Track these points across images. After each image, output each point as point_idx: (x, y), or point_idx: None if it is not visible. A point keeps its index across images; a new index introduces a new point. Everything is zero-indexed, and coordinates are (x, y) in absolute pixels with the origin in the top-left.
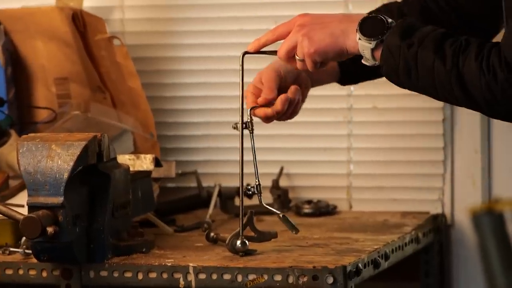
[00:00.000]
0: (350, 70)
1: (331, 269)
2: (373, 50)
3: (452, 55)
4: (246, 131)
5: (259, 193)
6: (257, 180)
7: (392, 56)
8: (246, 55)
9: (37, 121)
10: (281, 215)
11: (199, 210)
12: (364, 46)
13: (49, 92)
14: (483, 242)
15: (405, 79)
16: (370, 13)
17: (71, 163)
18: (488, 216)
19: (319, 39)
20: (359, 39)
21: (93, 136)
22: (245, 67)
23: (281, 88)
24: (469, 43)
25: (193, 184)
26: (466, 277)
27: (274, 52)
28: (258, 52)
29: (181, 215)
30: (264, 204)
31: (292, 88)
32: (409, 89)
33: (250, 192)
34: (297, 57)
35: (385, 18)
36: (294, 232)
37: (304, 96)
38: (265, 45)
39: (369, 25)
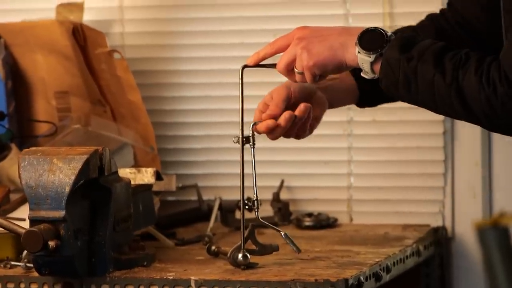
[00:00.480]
0: (369, 92)
1: (333, 282)
2: (372, 63)
3: (452, 69)
4: (247, 146)
5: (257, 208)
6: (255, 195)
7: (391, 70)
8: (246, 69)
9: (37, 135)
10: (283, 234)
11: (199, 224)
12: (363, 60)
13: (49, 105)
14: (488, 256)
15: (404, 92)
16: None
17: (73, 177)
18: (493, 230)
19: (318, 52)
20: (358, 52)
21: (94, 150)
22: (244, 80)
23: (292, 106)
24: (469, 57)
25: (193, 197)
26: None
27: (273, 65)
28: (257, 65)
29: (181, 229)
30: (261, 220)
31: (301, 106)
32: (408, 102)
33: (247, 207)
34: (296, 70)
35: (384, 31)
36: (297, 252)
37: (319, 116)
38: (264, 58)
39: (368, 38)
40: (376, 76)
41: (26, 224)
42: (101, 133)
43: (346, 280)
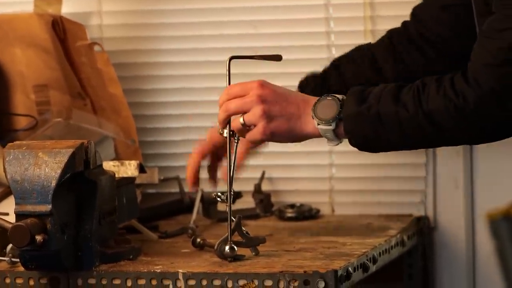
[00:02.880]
0: None
1: (322, 273)
2: (334, 130)
3: (413, 99)
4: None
5: (229, 203)
6: (229, 189)
7: (356, 125)
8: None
9: (17, 129)
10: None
11: (181, 216)
12: (325, 130)
13: (28, 99)
14: (500, 247)
15: (376, 142)
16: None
17: (59, 171)
18: (505, 221)
19: (277, 123)
20: (318, 124)
21: (80, 143)
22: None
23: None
24: (425, 83)
25: (174, 189)
26: (449, 279)
27: (261, 57)
28: (245, 56)
29: (163, 221)
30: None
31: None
32: (384, 151)
33: (220, 200)
34: (241, 121)
35: (334, 96)
36: (253, 254)
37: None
38: (222, 103)
39: (322, 108)
40: (341, 141)
41: (10, 219)
42: (81, 126)
43: (336, 271)
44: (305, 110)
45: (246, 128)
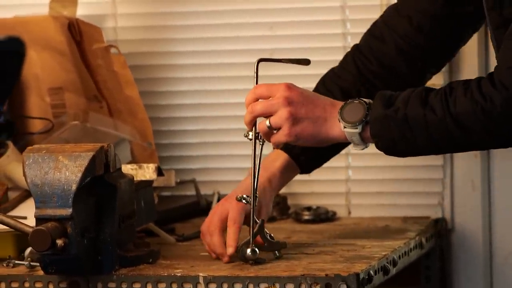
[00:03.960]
0: (307, 160)
1: (344, 276)
2: (361, 133)
3: (441, 103)
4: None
5: (253, 206)
6: (254, 194)
7: (383, 129)
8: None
9: (32, 132)
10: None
11: (197, 219)
12: (351, 133)
13: (43, 102)
14: None
15: (402, 145)
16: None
17: (79, 175)
18: None
19: (303, 125)
20: (345, 127)
21: (100, 147)
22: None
23: None
24: (452, 86)
25: (189, 192)
26: (467, 281)
27: (289, 61)
28: (273, 59)
29: (179, 224)
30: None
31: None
32: (410, 155)
33: (245, 202)
34: (267, 124)
35: (361, 100)
36: (275, 257)
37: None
38: (249, 104)
39: (349, 111)
40: (367, 145)
41: (28, 222)
42: (98, 129)
43: (357, 274)
44: (331, 114)
45: (272, 130)
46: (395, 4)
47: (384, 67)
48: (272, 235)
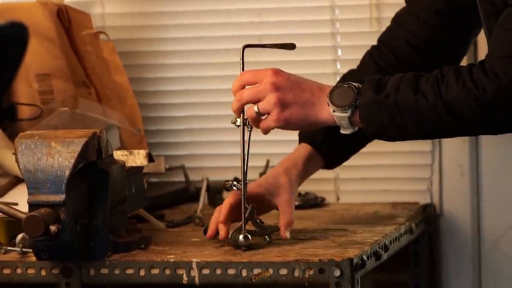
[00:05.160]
0: (332, 154)
1: (338, 262)
2: (350, 118)
3: (432, 89)
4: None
5: (243, 192)
6: (244, 180)
7: (373, 114)
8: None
9: (21, 118)
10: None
11: (185, 205)
12: (340, 117)
13: (31, 88)
14: None
15: (393, 131)
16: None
17: (72, 161)
18: None
19: (291, 110)
20: (334, 111)
21: (93, 133)
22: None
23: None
24: (443, 73)
25: (178, 178)
26: (455, 266)
27: (275, 46)
28: (258, 45)
29: (168, 210)
30: (247, 205)
31: None
32: (400, 140)
33: (236, 189)
34: (255, 109)
35: (351, 84)
36: (266, 242)
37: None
38: (236, 91)
39: (339, 95)
40: (356, 129)
41: (19, 208)
42: (86, 115)
43: (351, 259)
44: (320, 97)
45: (260, 116)
46: (405, 6)
47: (401, 61)
48: (262, 220)
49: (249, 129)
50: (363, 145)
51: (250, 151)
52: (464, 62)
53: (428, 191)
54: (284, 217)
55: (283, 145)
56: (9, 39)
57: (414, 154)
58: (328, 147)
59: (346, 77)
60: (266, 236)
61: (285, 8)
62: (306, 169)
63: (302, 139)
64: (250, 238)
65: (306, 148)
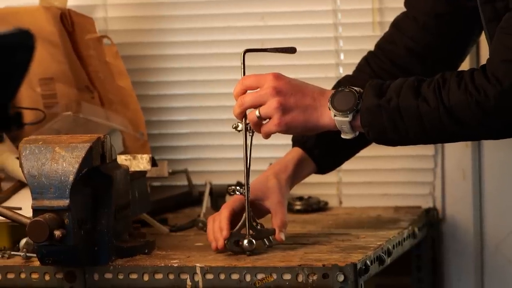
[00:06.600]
0: (326, 159)
1: (342, 267)
2: (351, 122)
3: (434, 93)
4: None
5: (247, 196)
6: (247, 185)
7: (374, 118)
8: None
9: (24, 122)
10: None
11: (188, 209)
12: (341, 122)
13: (34, 92)
14: None
15: (394, 135)
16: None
17: (76, 166)
18: None
19: (293, 115)
20: (335, 115)
21: (97, 138)
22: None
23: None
24: (445, 78)
25: (181, 182)
26: (457, 271)
27: (276, 50)
28: (259, 49)
29: (171, 214)
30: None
31: None
32: (401, 144)
33: (239, 193)
34: (257, 114)
35: (352, 88)
36: (265, 246)
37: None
38: (237, 96)
39: (340, 99)
40: (356, 134)
41: (22, 213)
42: (89, 120)
43: (355, 264)
44: (321, 102)
45: (261, 121)
46: (405, 11)
47: (397, 67)
48: (262, 224)
49: (251, 134)
50: (357, 150)
51: (252, 155)
52: (466, 67)
53: (430, 195)
54: (276, 219)
55: (285, 149)
56: (16, 46)
57: (416, 158)
58: (320, 151)
59: (342, 83)
60: (265, 240)
61: (287, 12)
62: (297, 172)
63: (294, 142)
64: (254, 242)
65: (297, 151)
